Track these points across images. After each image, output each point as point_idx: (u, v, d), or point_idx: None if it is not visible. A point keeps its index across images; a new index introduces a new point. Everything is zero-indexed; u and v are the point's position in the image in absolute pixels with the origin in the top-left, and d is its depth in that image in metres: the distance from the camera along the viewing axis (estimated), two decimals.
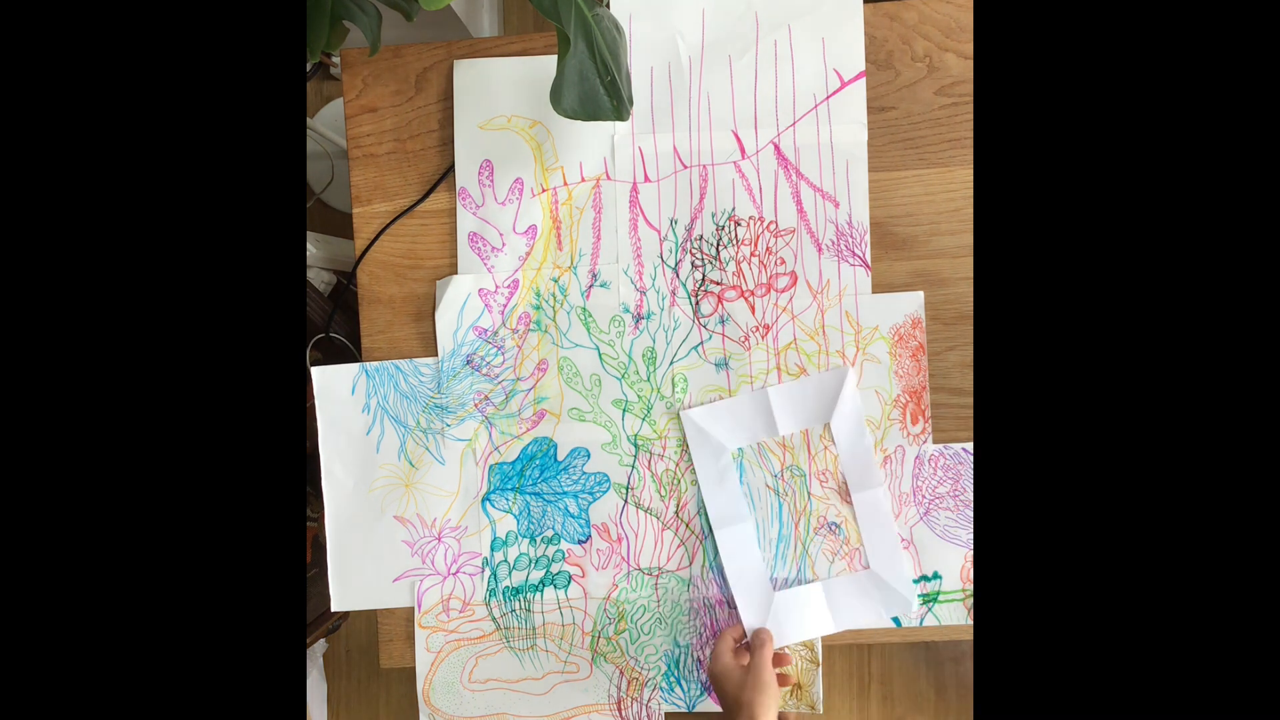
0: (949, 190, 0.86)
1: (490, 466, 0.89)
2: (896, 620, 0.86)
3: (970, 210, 0.86)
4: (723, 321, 0.87)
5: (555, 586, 0.89)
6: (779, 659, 0.83)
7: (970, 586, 0.86)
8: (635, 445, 0.88)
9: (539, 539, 0.89)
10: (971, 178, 0.86)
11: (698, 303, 0.87)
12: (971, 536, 0.86)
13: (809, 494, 0.87)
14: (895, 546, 0.85)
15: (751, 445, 0.86)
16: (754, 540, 0.86)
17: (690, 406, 0.87)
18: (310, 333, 1.02)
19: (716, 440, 0.86)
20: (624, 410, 0.88)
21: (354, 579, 0.90)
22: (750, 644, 0.81)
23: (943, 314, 0.87)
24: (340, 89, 1.17)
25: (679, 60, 0.87)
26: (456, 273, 0.89)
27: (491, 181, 0.88)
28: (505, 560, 0.89)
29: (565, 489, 0.89)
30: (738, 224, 0.87)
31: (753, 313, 0.87)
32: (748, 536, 0.86)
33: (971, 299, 0.86)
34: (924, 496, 0.86)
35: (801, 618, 0.85)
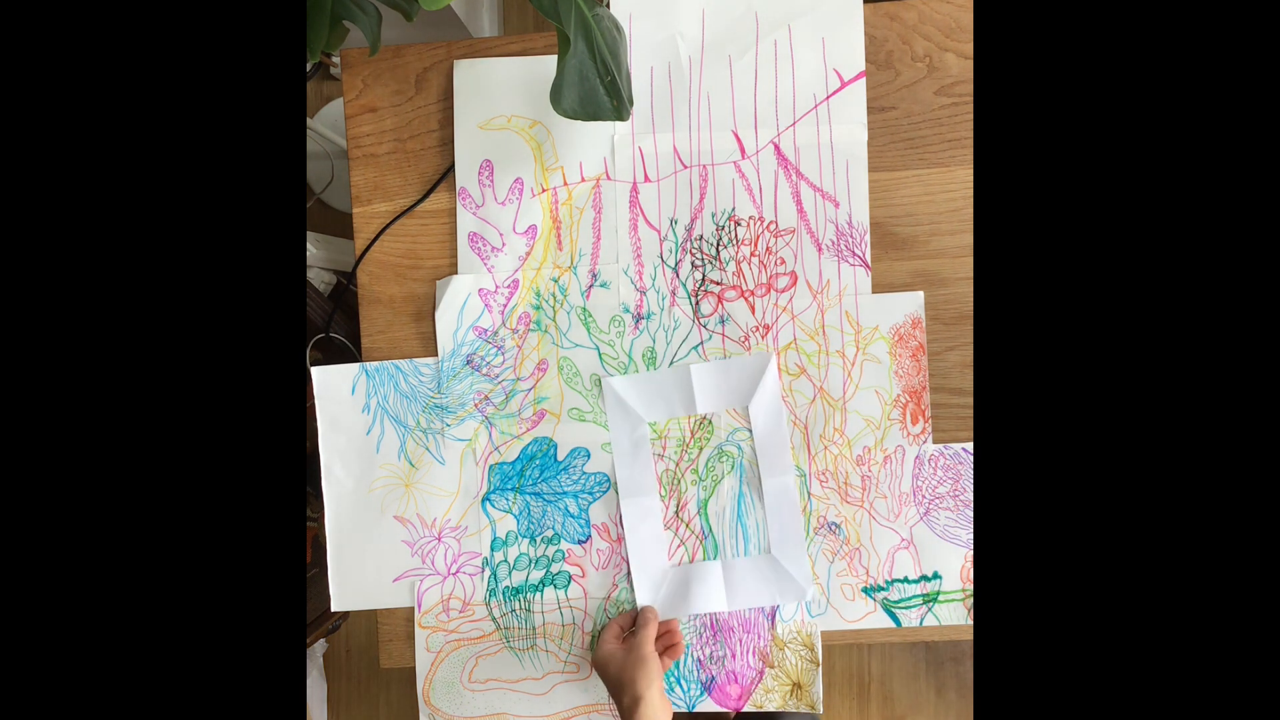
0: (949, 190, 0.86)
1: (490, 466, 0.89)
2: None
3: (970, 210, 0.86)
4: (723, 321, 0.87)
5: (555, 586, 0.89)
6: (668, 632, 0.86)
7: (970, 586, 0.86)
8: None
9: (539, 539, 0.89)
10: (971, 178, 0.86)
11: (698, 303, 0.87)
12: (971, 536, 0.86)
13: (809, 494, 0.87)
14: (799, 535, 0.86)
15: (675, 422, 0.87)
16: (658, 516, 0.87)
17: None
18: (310, 333, 1.03)
19: (635, 411, 0.87)
20: None
21: (354, 579, 0.90)
22: (636, 624, 0.84)
23: (943, 314, 0.87)
24: (340, 89, 1.17)
25: (679, 60, 0.87)
26: (456, 273, 0.89)
27: (491, 181, 0.88)
28: (505, 560, 0.89)
29: (565, 489, 0.89)
30: (738, 224, 0.87)
31: (753, 313, 0.87)
32: (652, 510, 0.87)
33: (971, 299, 0.86)
34: (924, 496, 0.86)
35: (695, 593, 0.86)
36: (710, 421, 0.87)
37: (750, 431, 0.87)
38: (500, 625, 0.89)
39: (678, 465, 0.88)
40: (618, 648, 0.81)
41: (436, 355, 0.89)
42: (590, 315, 0.88)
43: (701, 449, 0.88)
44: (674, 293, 0.87)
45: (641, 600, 0.87)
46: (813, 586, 0.86)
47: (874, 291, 0.86)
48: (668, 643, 0.85)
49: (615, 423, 0.87)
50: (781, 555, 0.86)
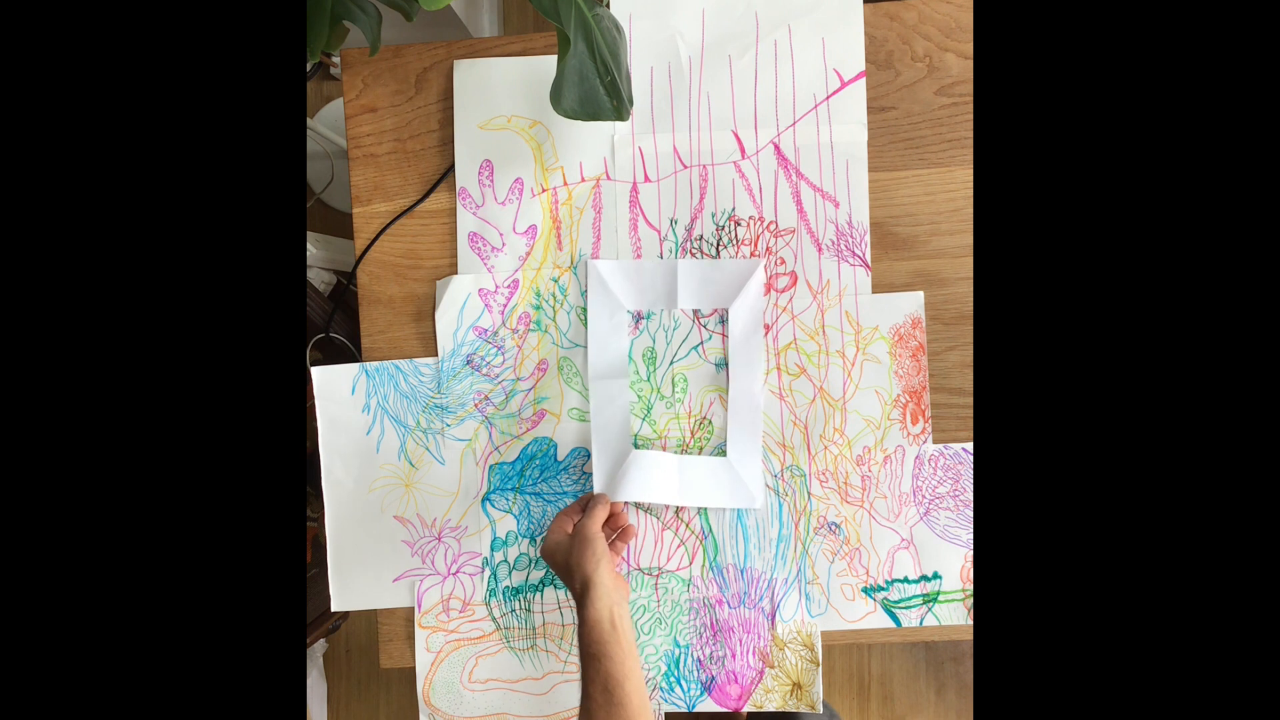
0: (949, 190, 0.86)
1: (490, 466, 0.89)
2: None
3: (970, 210, 0.86)
4: (722, 321, 0.87)
5: (555, 586, 0.89)
6: (613, 518, 0.83)
7: (970, 586, 0.86)
8: (635, 445, 0.88)
9: (539, 539, 0.89)
10: (971, 178, 0.86)
11: None
12: (971, 536, 0.86)
13: (809, 494, 0.87)
14: (755, 444, 0.86)
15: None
16: (626, 399, 0.87)
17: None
18: (310, 333, 1.03)
19: (615, 296, 0.87)
20: None
21: (354, 579, 0.90)
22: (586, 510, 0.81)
23: (943, 314, 0.87)
24: (340, 89, 1.17)
25: (679, 60, 0.87)
26: (456, 273, 0.89)
27: (491, 181, 0.88)
28: (505, 560, 0.89)
29: (565, 489, 0.89)
30: (738, 224, 0.87)
31: None
32: (621, 393, 0.87)
33: (971, 299, 0.86)
34: (924, 496, 0.86)
35: (650, 480, 0.85)
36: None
37: (726, 338, 0.86)
38: (500, 625, 0.89)
39: None
40: (563, 536, 0.78)
41: (436, 355, 0.89)
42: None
43: (701, 449, 0.88)
44: None
45: (598, 487, 0.86)
46: (762, 496, 0.86)
47: (874, 291, 0.86)
48: (615, 526, 0.83)
49: (595, 305, 0.87)
50: (736, 461, 0.86)
